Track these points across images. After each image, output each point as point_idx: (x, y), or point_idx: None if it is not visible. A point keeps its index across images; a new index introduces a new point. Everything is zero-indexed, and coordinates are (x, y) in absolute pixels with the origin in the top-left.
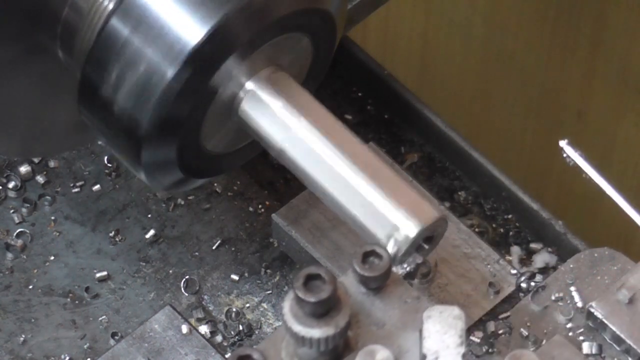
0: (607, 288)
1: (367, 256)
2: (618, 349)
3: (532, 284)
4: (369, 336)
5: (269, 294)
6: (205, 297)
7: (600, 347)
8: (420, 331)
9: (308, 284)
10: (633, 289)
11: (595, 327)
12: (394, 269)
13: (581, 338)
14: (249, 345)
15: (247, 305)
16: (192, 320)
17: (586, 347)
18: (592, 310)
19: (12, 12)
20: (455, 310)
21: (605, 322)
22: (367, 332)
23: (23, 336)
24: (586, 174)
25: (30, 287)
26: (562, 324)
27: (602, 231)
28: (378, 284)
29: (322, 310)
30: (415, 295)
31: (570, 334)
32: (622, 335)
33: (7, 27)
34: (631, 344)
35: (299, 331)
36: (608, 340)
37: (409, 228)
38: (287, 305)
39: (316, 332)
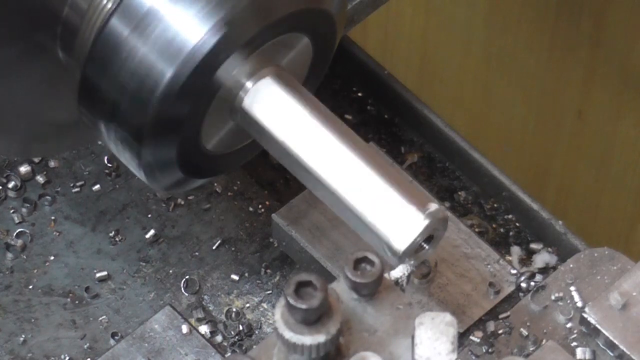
0: (606, 288)
1: (358, 262)
2: (611, 354)
3: (532, 284)
4: (361, 343)
5: (269, 294)
6: (205, 297)
7: (593, 353)
8: (412, 338)
9: (299, 290)
10: (626, 294)
11: (589, 332)
12: (390, 272)
13: (574, 344)
14: (249, 346)
15: (247, 305)
16: (192, 320)
17: (579, 353)
18: (585, 315)
19: (11, 12)
20: (447, 317)
21: (599, 327)
22: (359, 339)
23: (23, 336)
24: None
25: (30, 287)
26: (561, 323)
27: (602, 231)
28: (370, 291)
29: (313, 317)
30: (407, 301)
31: (568, 335)
32: (615, 341)
33: (7, 27)
34: (624, 349)
35: (290, 338)
36: (601, 345)
37: (410, 228)
38: (279, 312)
39: (307, 339)
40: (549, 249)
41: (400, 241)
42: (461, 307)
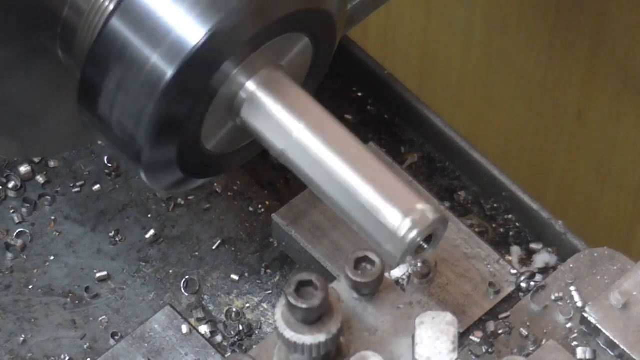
0: (606, 288)
1: (359, 262)
2: (612, 354)
3: (532, 284)
4: (362, 342)
5: (269, 294)
6: (205, 297)
7: (594, 352)
8: (413, 337)
9: (300, 290)
10: (627, 294)
11: (589, 332)
12: (391, 272)
13: (575, 343)
14: (249, 346)
15: (247, 305)
16: (192, 320)
17: (580, 352)
18: (585, 315)
19: (12, 13)
20: (448, 316)
21: (599, 327)
22: (360, 338)
23: (23, 336)
24: None
25: (30, 287)
26: (561, 323)
27: (602, 231)
28: (370, 290)
29: (314, 317)
30: (408, 301)
31: (568, 335)
32: (615, 341)
33: (7, 27)
34: (625, 349)
35: (291, 337)
36: (602, 345)
37: (409, 228)
38: (279, 311)
39: (308, 338)
40: (549, 249)
41: (392, 249)
42: (461, 307)
